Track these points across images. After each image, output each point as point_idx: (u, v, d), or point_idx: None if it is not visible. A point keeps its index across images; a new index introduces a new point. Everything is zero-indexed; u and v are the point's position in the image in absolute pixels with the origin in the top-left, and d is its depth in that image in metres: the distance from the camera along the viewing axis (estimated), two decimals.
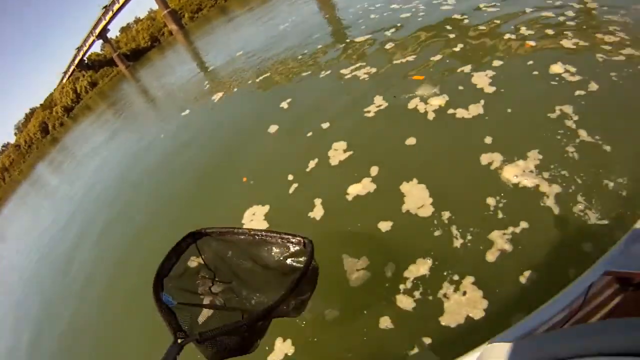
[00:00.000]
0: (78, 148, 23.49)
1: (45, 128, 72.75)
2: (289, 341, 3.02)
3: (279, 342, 3.05)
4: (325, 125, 5.71)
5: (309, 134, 5.70)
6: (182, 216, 5.91)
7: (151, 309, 1.65)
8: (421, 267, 2.95)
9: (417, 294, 2.83)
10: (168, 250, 2.09)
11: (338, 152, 4.86)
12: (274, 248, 2.19)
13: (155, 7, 66.52)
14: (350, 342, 2.81)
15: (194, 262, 2.26)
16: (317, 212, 4.08)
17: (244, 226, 4.30)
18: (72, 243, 8.68)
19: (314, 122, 5.91)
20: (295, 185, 4.74)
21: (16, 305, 8.61)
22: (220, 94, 10.73)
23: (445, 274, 2.84)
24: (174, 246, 2.14)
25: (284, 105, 7.32)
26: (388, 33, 8.05)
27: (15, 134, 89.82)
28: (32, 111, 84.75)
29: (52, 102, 74.78)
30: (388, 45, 7.42)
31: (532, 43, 5.07)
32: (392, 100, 5.41)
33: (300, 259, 2.11)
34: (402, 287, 2.91)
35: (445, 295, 2.73)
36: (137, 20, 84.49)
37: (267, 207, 4.62)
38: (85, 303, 5.98)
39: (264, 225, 4.34)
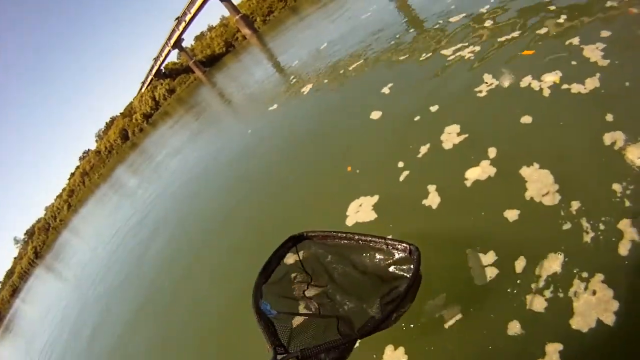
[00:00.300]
0: (157, 150, 23.91)
1: (125, 134, 76.69)
2: (401, 349, 2.62)
3: (389, 350, 2.64)
4: (433, 109, 5.15)
5: (417, 118, 5.21)
6: (281, 213, 5.66)
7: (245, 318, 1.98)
8: (553, 263, 2.54)
9: (548, 293, 2.41)
10: (269, 256, 2.22)
11: (451, 136, 4.42)
12: (377, 254, 2.17)
13: (227, 13, 68.27)
14: (472, 350, 2.45)
15: (293, 266, 2.35)
16: (433, 200, 3.71)
17: (350, 220, 4.20)
18: (161, 241, 8.76)
19: (421, 106, 5.41)
20: (406, 172, 4.36)
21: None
22: (309, 86, 10.19)
23: (575, 270, 2.43)
24: (275, 251, 2.27)
25: (385, 90, 6.72)
26: (483, 10, 7.07)
27: (96, 141, 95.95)
28: (113, 119, 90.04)
29: (132, 110, 78.77)
30: (487, 23, 6.60)
31: (635, 10, 4.43)
32: (503, 78, 4.79)
33: (404, 267, 2.12)
34: (534, 285, 2.49)
35: (575, 294, 2.33)
36: (211, 28, 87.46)
37: (375, 197, 4.31)
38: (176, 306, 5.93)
39: (372, 217, 4.07)
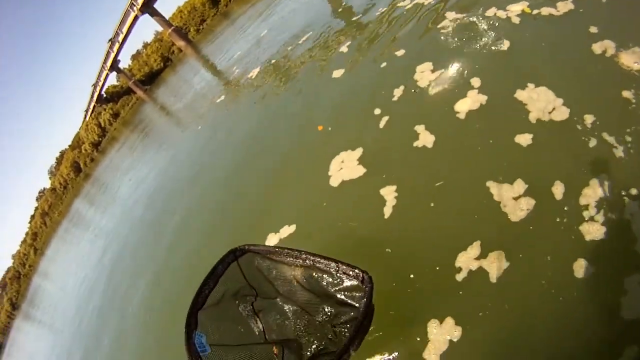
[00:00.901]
0: (110, 176, 23.65)
1: (77, 167, 74.41)
2: (448, 322, 2.25)
3: (433, 326, 2.29)
4: (399, 53, 5.00)
5: (383, 65, 5.05)
6: (254, 197, 5.31)
7: None
8: (593, 184, 2.30)
9: (600, 217, 2.16)
10: (204, 278, 1.98)
11: (425, 74, 4.25)
12: (325, 277, 1.99)
13: (160, 28, 67.02)
14: (534, 304, 2.10)
15: (234, 282, 2.11)
16: (426, 139, 3.49)
17: (334, 179, 3.94)
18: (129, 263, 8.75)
19: (384, 54, 5.27)
20: (385, 118, 4.16)
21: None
22: (251, 76, 10.11)
23: (622, 189, 2.21)
24: (213, 268, 2.03)
25: (344, 49, 6.56)
26: None
27: (50, 178, 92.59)
28: (62, 153, 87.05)
29: (80, 141, 76.47)
30: None
31: None
32: (466, 14, 4.62)
33: (356, 294, 1.92)
34: (586, 213, 2.22)
35: (632, 215, 2.09)
36: (146, 45, 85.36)
37: (358, 150, 4.04)
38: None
39: (360, 171, 3.79)
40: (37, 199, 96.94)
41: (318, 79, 6.38)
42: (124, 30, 62.30)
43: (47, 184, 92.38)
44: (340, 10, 8.86)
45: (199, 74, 21.82)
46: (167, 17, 60.98)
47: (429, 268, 2.53)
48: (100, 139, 71.49)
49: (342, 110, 5.06)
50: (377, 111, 4.32)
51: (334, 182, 3.93)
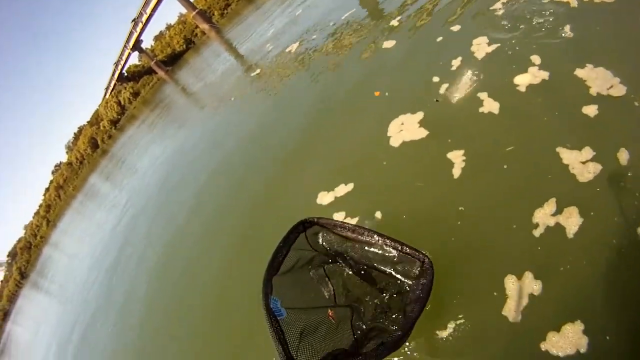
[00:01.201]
0: (127, 152, 23.76)
1: (95, 143, 75.38)
2: (527, 276, 2.23)
3: (510, 282, 2.27)
4: (455, 28, 4.91)
5: (439, 39, 4.96)
6: (310, 149, 5.20)
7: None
8: None
9: None
10: (277, 245, 2.10)
11: (481, 46, 4.23)
12: (387, 255, 2.12)
13: (184, 10, 67.23)
14: (616, 264, 2.06)
15: (305, 250, 2.26)
16: (490, 106, 3.46)
17: (394, 140, 3.91)
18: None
19: (437, 27, 5.27)
20: (445, 85, 4.09)
21: None
22: (291, 48, 9.97)
23: None
24: (284, 238, 2.17)
25: (394, 22, 6.51)
26: None
27: (67, 152, 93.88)
28: (80, 129, 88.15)
29: (99, 118, 77.39)
30: None
31: None
32: None
33: (414, 273, 2.05)
34: None
35: None
36: (169, 27, 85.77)
37: (419, 114, 3.98)
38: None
39: (422, 133, 3.75)
40: (52, 173, 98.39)
41: (370, 51, 6.24)
42: (148, 10, 62.64)
43: (64, 159, 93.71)
44: None
45: (222, 59, 21.69)
46: (191, 0, 61.35)
47: (505, 225, 2.52)
48: (119, 117, 72.26)
49: (399, 77, 4.99)
50: (436, 79, 4.28)
51: (394, 142, 3.89)
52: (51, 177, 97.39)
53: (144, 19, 64.61)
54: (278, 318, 1.86)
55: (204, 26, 60.29)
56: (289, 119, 6.77)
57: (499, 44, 4.09)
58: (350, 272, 2.36)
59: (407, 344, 2.22)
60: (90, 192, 32.81)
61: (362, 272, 2.33)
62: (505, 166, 2.92)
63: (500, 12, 4.56)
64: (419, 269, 2.07)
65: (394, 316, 2.09)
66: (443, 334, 2.22)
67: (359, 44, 6.79)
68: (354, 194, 3.72)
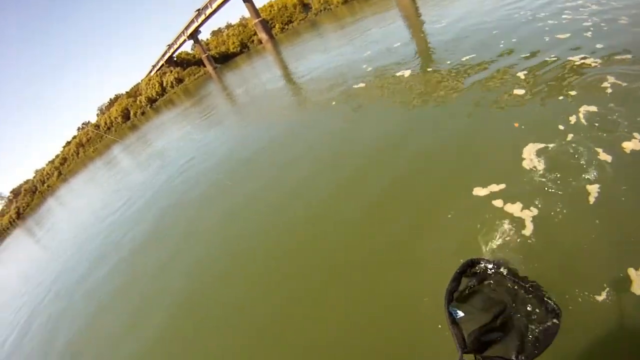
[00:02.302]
0: (158, 138, 23.67)
1: (127, 114, 76.78)
2: None
3: (632, 272, 2.55)
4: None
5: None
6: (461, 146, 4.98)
7: None
8: None
9: None
10: (454, 273, 2.65)
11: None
12: (529, 300, 2.49)
13: (247, 14, 68.87)
14: None
15: (470, 282, 2.65)
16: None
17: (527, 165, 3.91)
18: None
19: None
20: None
21: None
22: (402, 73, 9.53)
23: None
24: (459, 270, 2.68)
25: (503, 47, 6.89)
26: None
27: (97, 115, 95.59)
28: (117, 97, 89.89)
29: (138, 92, 78.94)
30: None
31: None
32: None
33: (546, 320, 2.36)
34: None
35: None
36: (229, 26, 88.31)
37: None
38: None
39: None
40: (78, 129, 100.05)
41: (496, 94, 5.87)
42: (214, 5, 64.54)
43: (93, 120, 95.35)
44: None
45: (273, 73, 22.04)
46: (257, 6, 62.97)
47: None
48: (157, 97, 73.71)
49: (533, 112, 4.88)
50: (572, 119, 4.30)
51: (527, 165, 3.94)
52: (75, 133, 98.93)
53: (207, 12, 66.50)
54: (456, 318, 2.37)
55: (263, 36, 61.89)
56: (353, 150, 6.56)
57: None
58: (511, 306, 2.57)
59: None
60: (110, 160, 33.27)
61: (506, 306, 2.56)
62: None
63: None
64: (551, 308, 2.40)
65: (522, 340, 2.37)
66: None
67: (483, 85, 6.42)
68: (505, 194, 3.76)
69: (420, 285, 3.23)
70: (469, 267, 2.75)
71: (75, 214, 20.55)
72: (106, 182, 22.10)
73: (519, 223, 3.31)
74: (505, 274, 2.69)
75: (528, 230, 3.22)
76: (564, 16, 7.74)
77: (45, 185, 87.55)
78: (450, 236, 3.52)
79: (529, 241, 3.12)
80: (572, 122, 4.19)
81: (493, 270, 2.73)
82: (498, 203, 3.62)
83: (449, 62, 8.12)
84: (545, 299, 2.44)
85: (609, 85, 4.56)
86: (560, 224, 3.16)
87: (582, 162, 3.59)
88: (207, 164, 10.68)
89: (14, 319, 9.73)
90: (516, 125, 4.64)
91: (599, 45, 5.71)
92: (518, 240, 3.16)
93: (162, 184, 11.63)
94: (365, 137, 6.67)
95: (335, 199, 5.33)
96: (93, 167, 42.33)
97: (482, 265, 2.76)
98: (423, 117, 6.43)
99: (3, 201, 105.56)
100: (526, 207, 3.43)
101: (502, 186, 3.80)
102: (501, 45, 7.66)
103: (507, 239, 3.22)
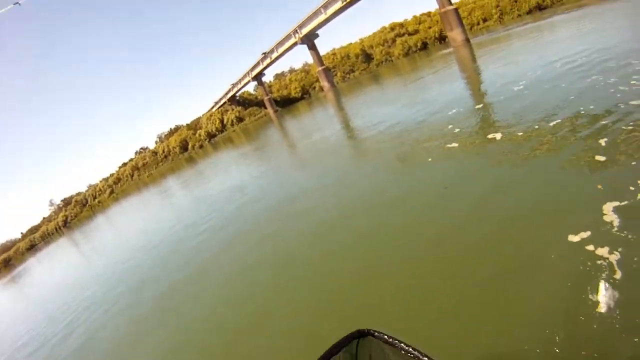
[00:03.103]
0: (214, 175, 23.92)
1: (185, 145, 79.81)
2: None
3: None
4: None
5: None
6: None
7: None
8: None
9: None
10: (331, 345, 2.13)
11: None
12: None
13: (311, 61, 71.07)
14: None
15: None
16: None
17: None
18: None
19: None
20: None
21: None
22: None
23: None
24: (338, 342, 2.18)
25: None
26: None
27: (156, 142, 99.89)
28: (177, 127, 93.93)
29: (198, 125, 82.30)
30: None
31: None
32: None
33: None
34: None
35: None
36: (292, 70, 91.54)
37: None
38: None
39: None
40: (135, 152, 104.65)
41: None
42: (280, 50, 67.46)
43: (152, 146, 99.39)
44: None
45: (332, 123, 22.06)
46: (321, 54, 65.02)
47: None
48: (217, 133, 76.41)
49: None
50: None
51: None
52: (133, 156, 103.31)
53: (273, 56, 69.45)
54: None
55: (325, 84, 63.48)
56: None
57: None
58: None
59: None
60: (163, 187, 34.13)
61: None
62: None
63: None
64: None
65: None
66: None
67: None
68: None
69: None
70: (354, 339, 2.28)
71: (119, 232, 21.05)
72: (155, 208, 22.63)
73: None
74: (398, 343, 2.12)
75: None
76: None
77: (97, 200, 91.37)
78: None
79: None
80: None
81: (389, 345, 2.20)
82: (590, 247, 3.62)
83: (513, 127, 7.90)
84: None
85: None
86: None
87: None
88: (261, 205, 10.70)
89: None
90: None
91: None
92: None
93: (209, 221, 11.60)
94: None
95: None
96: (145, 191, 43.78)
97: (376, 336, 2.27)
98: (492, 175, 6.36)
99: (52, 208, 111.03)
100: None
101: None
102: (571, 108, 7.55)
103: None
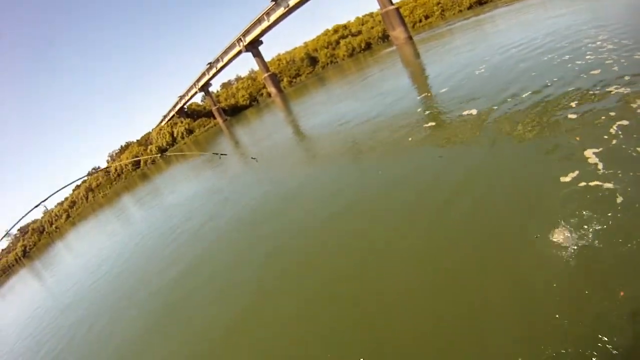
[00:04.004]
0: (167, 190, 24.27)
1: (138, 162, 78.21)
2: None
3: None
4: None
5: None
6: None
7: None
8: None
9: None
10: None
11: None
12: None
13: (257, 68, 71.21)
14: None
15: None
16: None
17: None
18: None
19: None
20: None
21: None
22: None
23: None
24: None
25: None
26: None
27: (108, 161, 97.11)
28: (128, 144, 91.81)
29: (148, 140, 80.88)
30: None
31: None
32: None
33: None
34: None
35: None
36: (238, 78, 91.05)
37: None
38: None
39: None
40: (88, 173, 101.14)
41: None
42: (225, 59, 67.20)
43: (103, 165, 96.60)
44: None
45: (283, 128, 22.65)
46: (266, 60, 65.43)
47: None
48: (167, 147, 75.28)
49: None
50: None
51: None
52: (85, 177, 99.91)
53: (219, 65, 69.10)
54: None
55: (272, 90, 63.76)
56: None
57: None
58: None
59: None
60: (119, 207, 33.93)
61: None
62: None
63: None
64: None
65: None
66: None
67: None
68: None
69: None
70: None
71: (79, 258, 20.99)
72: (111, 229, 22.74)
73: None
74: None
75: None
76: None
77: (54, 226, 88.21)
78: None
79: None
80: None
81: None
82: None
83: (451, 112, 9.03)
84: None
85: None
86: None
87: None
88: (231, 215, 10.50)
89: None
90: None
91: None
92: None
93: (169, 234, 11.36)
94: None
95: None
96: (100, 212, 43.08)
97: None
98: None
99: (10, 238, 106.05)
100: None
101: None
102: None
103: None
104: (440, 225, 5.02)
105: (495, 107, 8.02)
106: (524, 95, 8.01)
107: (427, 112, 10.02)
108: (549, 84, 8.03)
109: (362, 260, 5.09)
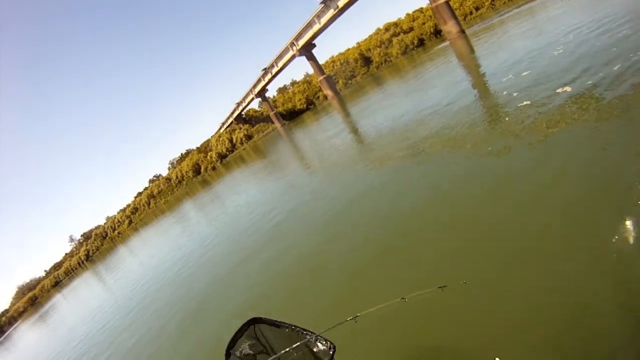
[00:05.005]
0: (228, 197, 24.01)
1: (198, 169, 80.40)
2: None
3: None
4: None
5: None
6: None
7: None
8: None
9: None
10: (235, 331, 3.21)
11: None
12: (307, 343, 2.98)
13: (311, 71, 71.10)
14: None
15: (252, 338, 3.25)
16: None
17: None
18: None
19: None
20: None
21: None
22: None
23: None
24: (240, 327, 3.25)
25: None
26: None
27: (169, 168, 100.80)
28: (188, 152, 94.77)
29: (208, 147, 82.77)
30: None
31: None
32: None
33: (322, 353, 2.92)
34: None
35: None
36: (294, 83, 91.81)
37: None
38: None
39: None
40: (149, 181, 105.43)
41: None
42: (280, 64, 67.56)
43: (164, 173, 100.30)
44: None
45: (340, 131, 21.83)
46: (320, 62, 64.99)
47: None
48: (227, 153, 76.71)
49: None
50: None
51: None
52: (147, 185, 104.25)
53: (274, 70, 69.62)
54: None
55: (329, 92, 63.31)
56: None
57: None
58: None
59: None
60: (180, 213, 34.37)
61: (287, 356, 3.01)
62: None
63: None
64: (324, 352, 2.91)
65: None
66: None
67: None
68: None
69: None
70: (251, 325, 3.27)
71: (141, 263, 21.29)
72: (174, 234, 22.95)
73: None
74: (282, 324, 3.18)
75: None
76: None
77: (116, 231, 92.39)
78: None
79: None
80: None
81: (274, 326, 3.21)
82: None
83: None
84: (320, 338, 2.96)
85: None
86: None
87: None
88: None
89: None
90: None
91: None
92: None
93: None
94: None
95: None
96: (162, 218, 44.10)
97: (266, 321, 3.25)
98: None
99: (73, 243, 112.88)
100: None
101: None
102: None
103: None
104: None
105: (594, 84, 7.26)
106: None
107: (515, 94, 9.39)
108: None
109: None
